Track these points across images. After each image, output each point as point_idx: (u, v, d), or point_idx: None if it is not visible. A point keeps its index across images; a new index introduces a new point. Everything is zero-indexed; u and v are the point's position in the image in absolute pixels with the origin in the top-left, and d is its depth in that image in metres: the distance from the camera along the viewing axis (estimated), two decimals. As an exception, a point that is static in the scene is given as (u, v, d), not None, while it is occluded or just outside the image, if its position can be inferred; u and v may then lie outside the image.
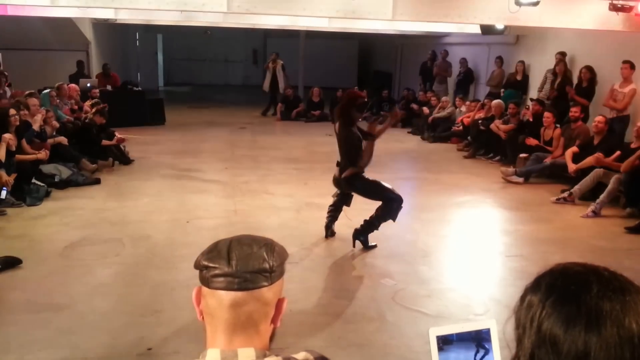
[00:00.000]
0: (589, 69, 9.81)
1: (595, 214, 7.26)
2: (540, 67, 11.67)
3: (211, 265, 1.26)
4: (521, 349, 1.04)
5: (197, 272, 1.29)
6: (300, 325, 4.28)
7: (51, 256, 5.60)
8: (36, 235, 6.26)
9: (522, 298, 1.07)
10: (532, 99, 11.04)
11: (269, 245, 1.31)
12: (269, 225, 6.60)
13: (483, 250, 6.21)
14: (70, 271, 5.27)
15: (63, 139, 8.91)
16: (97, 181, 8.41)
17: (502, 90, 12.68)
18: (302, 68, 19.25)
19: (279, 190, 8.25)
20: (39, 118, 8.57)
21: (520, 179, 9.03)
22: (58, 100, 10.35)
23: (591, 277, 1.01)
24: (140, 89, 14.93)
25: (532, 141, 9.55)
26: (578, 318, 0.96)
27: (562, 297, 1.00)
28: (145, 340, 4.05)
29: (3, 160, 7.00)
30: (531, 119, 10.29)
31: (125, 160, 9.71)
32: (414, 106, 14.83)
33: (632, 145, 7.72)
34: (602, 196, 7.35)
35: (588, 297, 0.98)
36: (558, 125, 9.58)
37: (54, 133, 9.01)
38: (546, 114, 9.71)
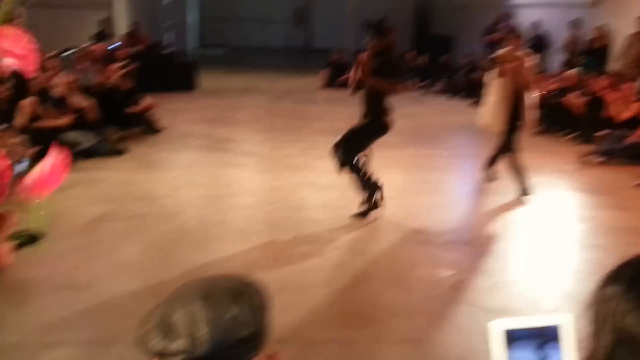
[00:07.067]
0: None
1: None
2: (623, 33, 11.32)
3: (167, 351, 1.11)
4: (597, 347, 1.03)
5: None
6: (346, 316, 4.28)
7: (72, 232, 5.72)
8: (56, 208, 6.36)
9: (601, 290, 1.05)
10: (606, 72, 10.73)
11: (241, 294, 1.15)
12: (311, 205, 6.59)
13: (555, 238, 6.09)
14: (93, 249, 5.37)
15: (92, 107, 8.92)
16: (123, 152, 8.51)
17: (579, 59, 12.36)
18: (350, 30, 19.08)
19: (322, 165, 8.17)
20: (59, 83, 8.69)
21: (599, 160, 8.81)
22: (83, 64, 10.45)
23: None
24: (170, 50, 15.00)
25: (625, 114, 9.20)
26: None
27: None
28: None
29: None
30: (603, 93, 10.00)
31: (152, 129, 9.79)
32: (477, 75, 14.58)
33: None
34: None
35: None
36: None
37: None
38: (626, 87, 9.41)
